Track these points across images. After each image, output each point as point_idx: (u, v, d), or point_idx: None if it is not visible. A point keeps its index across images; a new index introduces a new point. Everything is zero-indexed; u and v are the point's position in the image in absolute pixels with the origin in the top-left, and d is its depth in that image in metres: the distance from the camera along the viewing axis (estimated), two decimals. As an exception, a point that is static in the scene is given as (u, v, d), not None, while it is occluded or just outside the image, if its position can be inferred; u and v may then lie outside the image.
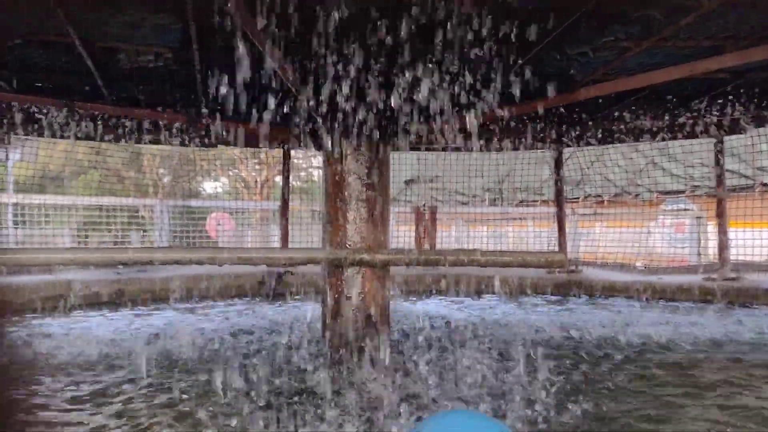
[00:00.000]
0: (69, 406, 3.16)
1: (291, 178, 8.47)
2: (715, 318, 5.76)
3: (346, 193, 4.57)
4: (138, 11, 3.71)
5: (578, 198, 11.39)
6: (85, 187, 12.78)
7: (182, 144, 6.62)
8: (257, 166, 20.10)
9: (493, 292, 7.46)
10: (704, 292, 6.85)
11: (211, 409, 3.03)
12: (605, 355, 4.33)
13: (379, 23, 3.51)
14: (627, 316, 5.85)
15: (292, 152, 9.13)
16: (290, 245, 8.56)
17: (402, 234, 11.45)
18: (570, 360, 4.18)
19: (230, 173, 20.99)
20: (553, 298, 7.45)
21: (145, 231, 11.28)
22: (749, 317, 5.75)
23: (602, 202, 10.96)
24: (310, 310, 6.03)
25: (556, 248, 8.68)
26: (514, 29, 3.62)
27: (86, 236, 10.69)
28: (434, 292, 7.76)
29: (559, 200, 8.44)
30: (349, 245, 4.43)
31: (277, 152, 9.65)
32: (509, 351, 4.22)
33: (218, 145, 7.26)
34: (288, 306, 6.75)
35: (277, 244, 8.99)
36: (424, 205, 10.84)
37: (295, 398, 3.19)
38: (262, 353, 4.25)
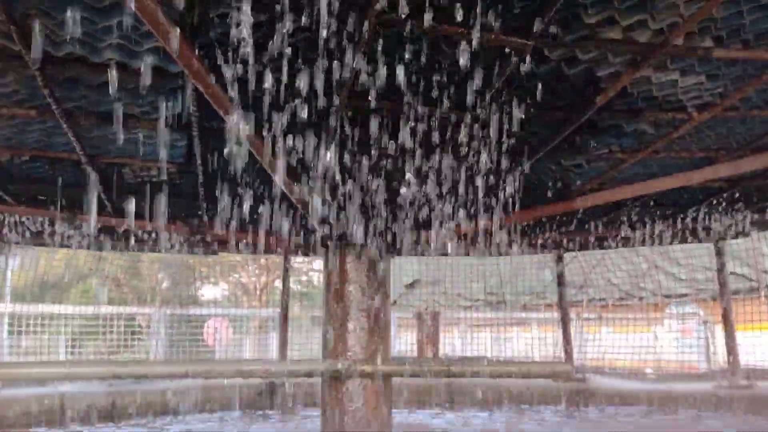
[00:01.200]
0: None
1: (291, 282, 8.42)
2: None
3: (346, 303, 4.51)
4: (144, 129, 3.81)
5: (582, 301, 11.26)
6: (83, 295, 12.69)
7: (183, 252, 6.63)
8: (257, 271, 20.04)
9: (499, 402, 7.22)
10: (717, 401, 6.63)
11: None
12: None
13: (378, 138, 3.59)
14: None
15: (293, 258, 9.13)
16: (290, 352, 8.38)
17: (404, 340, 11.25)
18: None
19: (230, 278, 20.90)
20: (561, 408, 7.20)
21: (141, 339, 11.09)
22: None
23: (606, 306, 10.83)
24: (310, 424, 5.81)
25: (562, 354, 8.48)
26: (511, 141, 3.70)
27: (81, 346, 10.50)
28: (437, 402, 7.51)
29: (563, 305, 8.34)
30: (350, 356, 4.33)
31: (278, 257, 9.65)
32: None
33: (218, 252, 7.27)
34: (287, 420, 6.51)
35: (276, 353, 8.80)
36: (426, 310, 10.72)
37: None
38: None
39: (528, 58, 2.92)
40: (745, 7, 2.76)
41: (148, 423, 6.33)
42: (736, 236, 6.64)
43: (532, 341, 11.65)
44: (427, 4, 2.56)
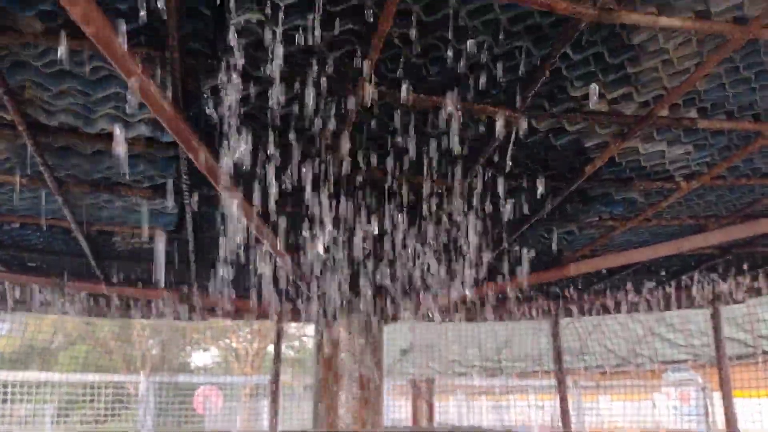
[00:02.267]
0: None
1: (284, 347, 8.29)
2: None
3: (337, 371, 4.44)
4: (135, 196, 3.82)
5: (579, 368, 11.10)
6: (71, 361, 12.45)
7: (173, 318, 6.54)
8: (249, 336, 19.77)
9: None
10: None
11: None
12: None
13: (370, 208, 3.61)
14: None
15: (285, 323, 9.01)
16: (281, 421, 8.16)
17: (399, 408, 11.01)
18: None
19: (221, 343, 20.59)
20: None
21: (129, 408, 10.82)
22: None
23: (604, 373, 10.67)
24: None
25: (559, 422, 8.28)
26: (502, 210, 3.71)
27: (68, 414, 10.23)
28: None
29: (560, 372, 8.20)
30: (342, 427, 4.23)
31: (270, 322, 9.53)
32: None
33: (210, 318, 7.18)
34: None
35: (267, 422, 8.58)
36: (420, 377, 10.54)
37: None
38: None
39: (516, 129, 2.96)
40: (727, 81, 2.83)
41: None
42: (730, 302, 6.59)
43: (529, 409, 11.41)
44: (414, 77, 2.62)
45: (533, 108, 2.91)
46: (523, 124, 2.92)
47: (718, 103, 3.02)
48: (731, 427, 6.97)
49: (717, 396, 8.86)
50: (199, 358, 20.07)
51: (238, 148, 2.84)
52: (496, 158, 3.25)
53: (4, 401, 9.37)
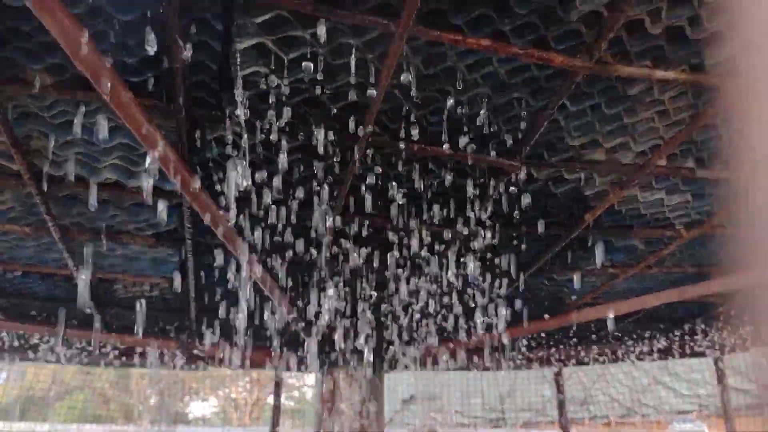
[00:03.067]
0: None
1: (283, 398, 8.16)
2: None
3: (338, 422, 4.38)
4: (137, 245, 3.83)
5: (584, 419, 10.90)
6: (69, 411, 12.25)
7: (172, 367, 6.47)
8: (248, 385, 19.48)
9: None
10: None
11: None
12: None
13: (370, 259, 3.62)
14: None
15: (285, 373, 8.89)
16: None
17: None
18: None
19: (220, 393, 20.27)
20: None
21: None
22: None
23: (609, 423, 10.47)
24: None
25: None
26: (503, 258, 3.72)
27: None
28: None
29: (564, 422, 8.06)
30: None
31: (269, 372, 9.41)
32: None
33: (208, 368, 7.10)
34: None
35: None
36: (422, 428, 10.35)
37: None
38: None
39: (517, 178, 3.00)
40: (723, 131, 2.87)
41: None
42: (734, 351, 6.53)
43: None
44: (417, 129, 2.67)
45: (532, 157, 2.95)
46: (522, 174, 2.96)
47: (715, 152, 3.06)
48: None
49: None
50: (198, 408, 19.75)
51: (241, 198, 2.87)
52: (497, 207, 3.27)
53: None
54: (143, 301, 4.87)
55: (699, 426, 10.65)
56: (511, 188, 3.09)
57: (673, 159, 3.06)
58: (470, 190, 3.14)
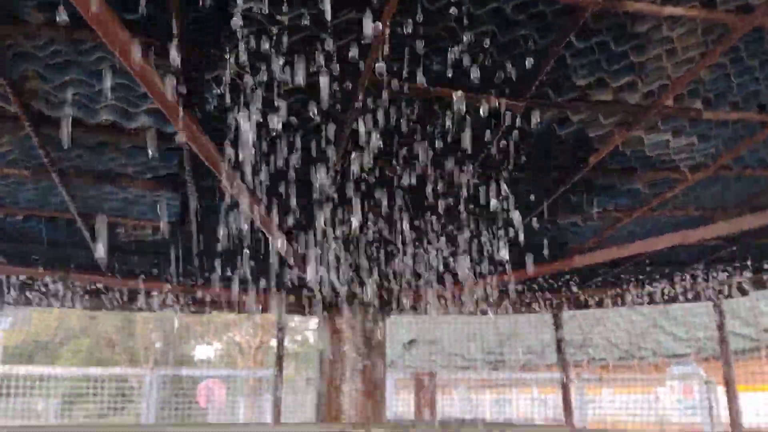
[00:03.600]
0: None
1: (286, 341, 8.29)
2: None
3: (340, 364, 4.44)
4: (138, 188, 3.81)
5: (582, 362, 11.09)
6: (74, 355, 12.47)
7: (176, 312, 6.55)
8: (252, 330, 19.79)
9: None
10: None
11: None
12: None
13: (374, 200, 3.60)
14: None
15: (288, 317, 9.01)
16: (284, 416, 8.18)
17: (402, 401, 11.02)
18: None
19: (224, 337, 20.62)
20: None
21: (132, 401, 10.86)
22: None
23: (607, 366, 10.66)
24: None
25: (563, 416, 8.29)
26: (506, 201, 3.70)
27: (71, 408, 10.26)
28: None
29: (563, 365, 8.19)
30: (344, 419, 4.23)
31: (272, 316, 9.54)
32: None
33: (213, 312, 7.19)
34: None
35: (269, 415, 8.59)
36: (423, 371, 10.54)
37: None
38: None
39: (520, 119, 2.95)
40: (732, 71, 2.81)
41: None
42: (734, 295, 6.57)
43: (531, 402, 11.41)
44: (420, 67, 2.61)
45: (537, 98, 2.90)
46: (528, 114, 2.92)
47: (722, 93, 3.00)
48: (735, 421, 6.96)
49: (721, 390, 8.85)
50: (203, 352, 20.14)
51: (241, 138, 2.83)
52: (500, 149, 3.24)
53: (8, 395, 9.40)
54: (146, 245, 4.90)
55: (696, 369, 10.85)
56: (515, 130, 3.04)
57: (680, 100, 3.00)
58: (474, 132, 3.10)
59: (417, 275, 4.66)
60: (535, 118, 2.99)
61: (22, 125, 2.94)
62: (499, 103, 2.84)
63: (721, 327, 7.23)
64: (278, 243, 3.83)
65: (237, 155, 2.87)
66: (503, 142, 3.17)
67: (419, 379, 10.13)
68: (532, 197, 3.72)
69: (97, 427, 4.30)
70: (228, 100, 2.63)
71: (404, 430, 4.21)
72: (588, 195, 4.07)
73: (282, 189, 3.28)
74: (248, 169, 3.04)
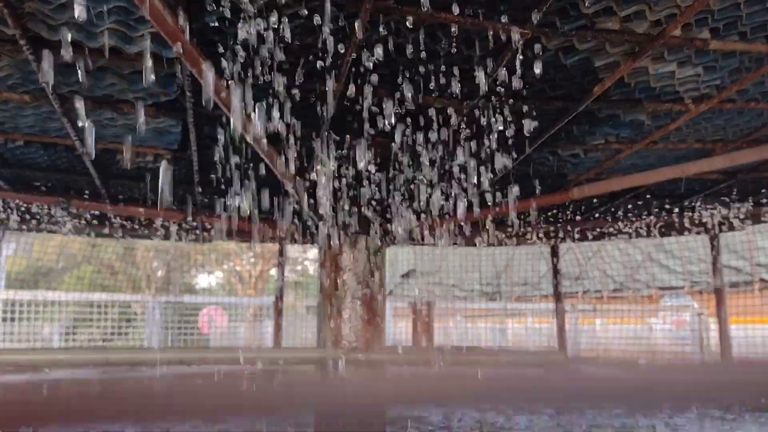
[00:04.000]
0: None
1: (286, 271, 8.42)
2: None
3: (341, 291, 4.51)
4: (138, 114, 3.79)
5: (577, 293, 11.29)
6: (77, 282, 12.67)
7: (178, 239, 6.62)
8: (252, 260, 20.04)
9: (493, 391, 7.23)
10: (709, 393, 6.67)
11: None
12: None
13: (375, 130, 3.58)
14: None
15: (288, 247, 9.11)
16: (284, 342, 8.38)
17: (400, 329, 11.28)
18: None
19: (225, 266, 20.89)
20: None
21: (135, 327, 11.10)
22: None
23: (601, 297, 10.87)
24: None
25: (556, 345, 8.51)
26: (508, 131, 3.69)
27: (75, 333, 10.49)
28: (432, 391, 7.53)
29: (558, 296, 8.36)
30: (344, 344, 4.33)
31: (273, 246, 9.65)
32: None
33: (213, 240, 7.26)
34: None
35: (270, 341, 8.81)
36: (421, 301, 10.74)
37: None
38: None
39: (526, 47, 2.91)
40: (742, 0, 2.75)
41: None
42: (731, 229, 6.64)
43: (526, 332, 11.69)
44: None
45: (544, 25, 2.85)
46: (533, 42, 2.87)
47: (730, 23, 2.95)
48: (725, 352, 7.16)
49: (712, 323, 9.06)
50: (204, 281, 20.46)
51: (242, 63, 2.80)
52: (504, 78, 3.20)
53: (12, 320, 9.59)
54: (147, 173, 4.91)
55: (689, 301, 11.07)
56: (520, 58, 3.00)
57: (687, 29, 2.95)
58: (478, 61, 3.06)
59: (416, 206, 4.69)
60: (541, 46, 2.95)
61: (20, 48, 2.90)
62: (504, 31, 2.79)
63: (715, 260, 7.33)
64: (279, 172, 3.84)
65: (236, 81, 2.85)
66: (507, 71, 3.13)
67: (417, 308, 10.34)
68: (535, 127, 3.70)
69: (103, 351, 4.42)
70: (228, 23, 2.58)
71: (402, 355, 4.33)
72: (590, 126, 4.06)
73: (283, 117, 3.26)
74: (249, 97, 3.02)
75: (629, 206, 6.21)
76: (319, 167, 3.99)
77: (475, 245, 8.11)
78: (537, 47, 2.95)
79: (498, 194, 4.51)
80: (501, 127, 3.60)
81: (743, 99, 3.71)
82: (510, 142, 3.77)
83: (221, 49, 2.85)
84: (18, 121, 3.97)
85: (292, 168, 3.87)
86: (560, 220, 6.89)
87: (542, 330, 10.83)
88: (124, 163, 4.68)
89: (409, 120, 3.64)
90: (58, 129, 4.02)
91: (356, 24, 2.66)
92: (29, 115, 3.86)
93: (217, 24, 2.79)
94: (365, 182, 4.26)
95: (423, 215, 4.79)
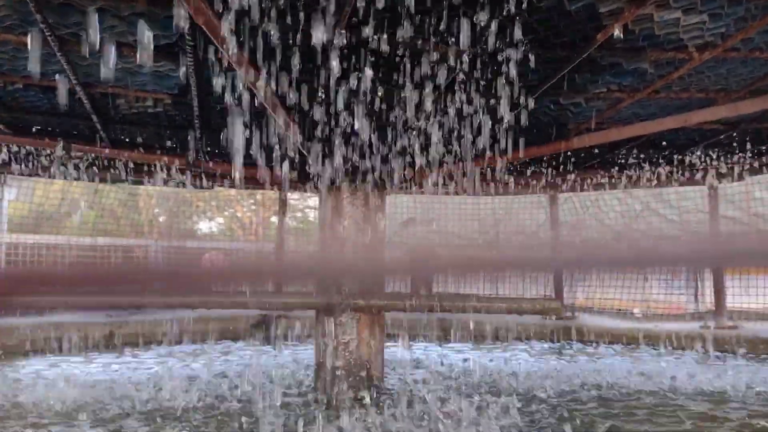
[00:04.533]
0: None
1: (287, 218, 8.47)
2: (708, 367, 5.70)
3: (341, 238, 4.55)
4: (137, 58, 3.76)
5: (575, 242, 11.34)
6: (80, 227, 12.72)
7: (179, 185, 6.64)
8: (253, 207, 20.10)
9: (495, 338, 7.39)
10: (702, 340, 6.81)
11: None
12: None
13: (377, 74, 3.56)
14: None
15: (288, 194, 9.14)
16: (285, 288, 8.49)
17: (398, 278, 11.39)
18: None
19: (226, 213, 20.97)
20: (549, 344, 7.38)
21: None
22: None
23: (598, 247, 10.91)
24: (303, 354, 5.96)
25: (553, 294, 8.64)
26: (510, 78, 3.66)
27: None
28: (429, 337, 7.68)
29: (555, 244, 8.41)
30: (344, 290, 4.39)
31: (274, 193, 9.68)
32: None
33: (214, 186, 7.28)
34: (281, 350, 6.66)
35: (271, 288, 8.92)
36: (422, 246, 10.80)
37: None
38: (252, 404, 4.14)
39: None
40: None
41: (142, 352, 6.48)
42: (729, 180, 6.66)
43: (524, 281, 11.80)
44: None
45: (548, -31, 2.81)
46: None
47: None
48: (720, 301, 7.27)
49: (708, 273, 9.14)
50: (205, 226, 20.56)
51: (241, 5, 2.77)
52: (507, 23, 3.17)
53: (18, 263, 9.68)
54: (148, 118, 4.90)
55: (684, 251, 11.11)
56: (524, 4, 2.97)
57: (695, -26, 2.91)
58: (481, 5, 3.03)
59: (417, 154, 4.69)
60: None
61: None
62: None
63: (713, 211, 7.37)
64: (280, 117, 3.84)
65: (236, 23, 2.82)
66: (511, 19, 3.10)
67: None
68: (537, 75, 3.68)
69: (109, 293, 4.47)
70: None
71: (401, 300, 4.40)
72: (593, 74, 4.03)
73: (283, 59, 3.24)
74: (248, 38, 2.99)
75: (629, 156, 6.20)
76: (320, 112, 3.97)
77: (475, 194, 8.14)
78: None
79: (499, 143, 4.51)
80: (504, 74, 3.57)
81: (747, 48, 3.68)
82: (512, 90, 3.75)
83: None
84: (16, 63, 3.94)
85: (291, 114, 3.86)
86: (560, 169, 6.90)
87: (539, 279, 10.94)
88: (124, 107, 4.66)
89: (408, 64, 3.61)
90: (57, 72, 3.99)
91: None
92: (28, 56, 3.83)
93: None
94: (367, 128, 4.25)
95: (423, 162, 4.80)
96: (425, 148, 4.44)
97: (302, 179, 5.48)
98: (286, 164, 5.11)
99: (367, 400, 3.90)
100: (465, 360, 5.92)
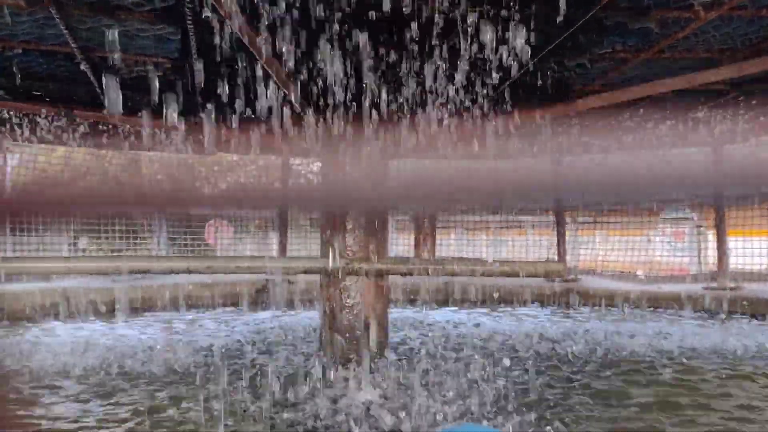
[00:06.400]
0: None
1: (290, 184, 8.47)
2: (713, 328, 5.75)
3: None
4: (137, 22, 3.72)
5: (578, 206, 11.35)
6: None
7: (181, 151, 6.62)
8: (256, 173, 20.06)
9: (495, 301, 7.45)
10: (705, 301, 6.87)
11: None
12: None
13: (380, 37, 3.52)
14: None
15: (291, 159, 9.13)
16: (289, 253, 8.55)
17: (402, 242, 11.44)
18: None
19: (229, 179, 20.95)
20: (553, 306, 7.45)
21: (143, 238, 11.27)
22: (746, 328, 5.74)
23: (602, 210, 10.93)
24: (308, 319, 6.02)
25: (556, 257, 8.67)
26: (514, 39, 3.62)
27: (82, 242, 10.67)
28: (433, 300, 7.74)
29: (558, 208, 8.43)
30: (348, 254, 4.42)
31: (276, 159, 9.67)
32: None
33: (217, 152, 7.27)
34: (287, 314, 6.73)
35: (275, 252, 8.98)
36: (422, 212, 10.83)
37: (290, 410, 3.18)
38: (258, 368, 4.21)
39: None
40: None
41: (147, 317, 6.56)
42: (735, 141, 6.62)
43: (527, 244, 11.84)
44: None
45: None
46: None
47: None
48: (722, 263, 7.30)
49: (711, 235, 9.15)
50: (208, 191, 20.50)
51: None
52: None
53: (21, 231, 9.73)
54: (148, 81, 4.86)
55: (688, 214, 11.13)
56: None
57: (702, -70, 2.85)
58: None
59: (419, 117, 4.66)
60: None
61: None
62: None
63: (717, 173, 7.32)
64: (281, 81, 3.81)
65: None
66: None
67: (418, 220, 10.45)
68: (541, 35, 3.63)
69: (113, 259, 4.51)
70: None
71: (404, 263, 4.42)
72: (597, 34, 3.97)
73: (281, 21, 3.20)
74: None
75: (633, 118, 6.15)
76: (321, 73, 3.94)
77: (478, 158, 8.11)
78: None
79: (501, 105, 4.48)
80: (508, 35, 3.53)
81: (755, 6, 3.62)
82: (515, 50, 3.70)
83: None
84: (14, 27, 3.90)
85: (292, 77, 3.83)
86: (564, 131, 6.84)
87: (542, 242, 10.97)
88: (124, 72, 4.62)
89: (411, 24, 3.56)
90: (56, 36, 3.95)
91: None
92: (26, 21, 3.79)
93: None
94: (369, 88, 4.22)
95: (427, 126, 4.77)
96: (427, 111, 4.41)
97: (305, 144, 5.44)
98: (287, 129, 5.09)
99: (370, 362, 3.95)
100: (477, 325, 5.99)
